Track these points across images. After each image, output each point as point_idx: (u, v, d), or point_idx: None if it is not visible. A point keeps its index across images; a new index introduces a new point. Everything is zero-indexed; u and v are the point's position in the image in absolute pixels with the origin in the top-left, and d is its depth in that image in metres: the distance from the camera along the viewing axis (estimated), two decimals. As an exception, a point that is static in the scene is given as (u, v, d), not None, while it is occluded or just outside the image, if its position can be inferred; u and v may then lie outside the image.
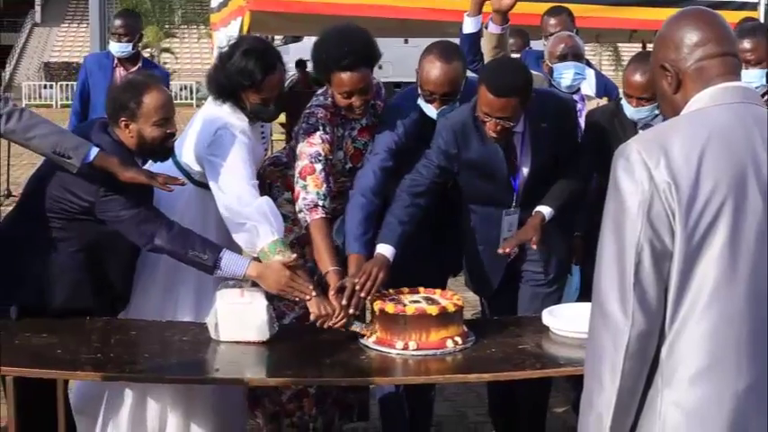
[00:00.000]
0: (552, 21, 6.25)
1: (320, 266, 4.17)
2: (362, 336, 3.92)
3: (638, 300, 2.14)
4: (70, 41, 48.24)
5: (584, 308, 3.89)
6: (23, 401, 3.58)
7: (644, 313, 2.15)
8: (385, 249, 4.12)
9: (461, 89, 4.35)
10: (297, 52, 25.62)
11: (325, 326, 3.95)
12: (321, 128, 4.32)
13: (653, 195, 2.14)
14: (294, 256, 4.05)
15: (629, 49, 31.46)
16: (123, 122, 4.06)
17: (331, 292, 3.99)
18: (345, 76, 4.20)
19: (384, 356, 3.74)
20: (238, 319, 3.85)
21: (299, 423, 4.54)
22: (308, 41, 20.01)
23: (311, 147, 4.29)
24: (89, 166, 3.92)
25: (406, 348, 3.72)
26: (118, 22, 7.27)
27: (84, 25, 41.57)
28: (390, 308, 3.79)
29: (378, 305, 3.84)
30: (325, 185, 4.24)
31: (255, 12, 9.41)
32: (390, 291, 4.03)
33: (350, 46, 4.20)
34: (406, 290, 4.04)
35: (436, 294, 4.01)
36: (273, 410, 4.56)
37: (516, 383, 4.30)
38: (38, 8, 50.65)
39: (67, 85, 36.54)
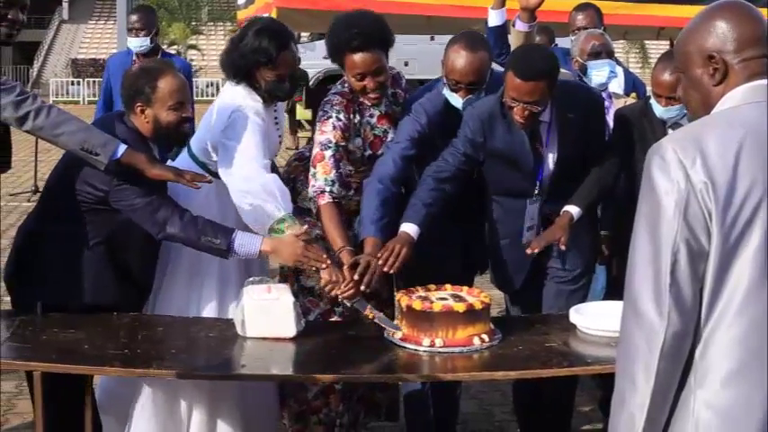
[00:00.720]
0: (580, 16, 6.23)
1: (333, 247, 4.20)
2: (371, 318, 3.95)
3: (673, 300, 2.12)
4: (97, 38, 48.50)
5: (612, 306, 3.92)
6: (51, 397, 3.59)
7: (679, 313, 2.12)
8: (409, 228, 4.14)
9: (487, 79, 4.38)
10: (323, 49, 25.71)
11: (333, 293, 4.01)
12: (335, 115, 4.36)
13: (689, 195, 2.11)
14: (305, 227, 4.09)
15: (656, 47, 31.36)
16: (139, 108, 4.10)
17: (345, 267, 4.02)
18: (357, 57, 4.26)
19: (410, 353, 3.73)
20: (265, 315, 3.85)
21: (325, 420, 4.53)
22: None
23: (322, 134, 4.35)
24: (116, 163, 3.94)
25: (432, 345, 3.71)
26: (133, 18, 7.31)
27: (112, 22, 41.81)
28: (417, 305, 3.78)
29: (405, 302, 3.83)
30: (333, 171, 4.28)
31: (282, 8, 9.44)
32: (418, 288, 4.02)
33: (359, 28, 4.27)
34: (433, 287, 4.03)
35: (463, 292, 4.00)
36: (299, 410, 4.55)
37: (542, 382, 4.28)
38: (65, 5, 50.90)
39: (95, 81, 36.77)
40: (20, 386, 5.67)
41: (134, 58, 7.24)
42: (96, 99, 15.39)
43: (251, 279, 4.07)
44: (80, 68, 42.62)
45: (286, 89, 4.38)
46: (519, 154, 4.30)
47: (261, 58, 4.24)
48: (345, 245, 4.16)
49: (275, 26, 4.40)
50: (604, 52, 5.43)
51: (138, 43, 7.17)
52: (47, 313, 4.03)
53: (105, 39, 45.94)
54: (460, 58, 4.29)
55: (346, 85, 4.46)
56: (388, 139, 4.48)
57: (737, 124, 2.19)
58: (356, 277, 3.97)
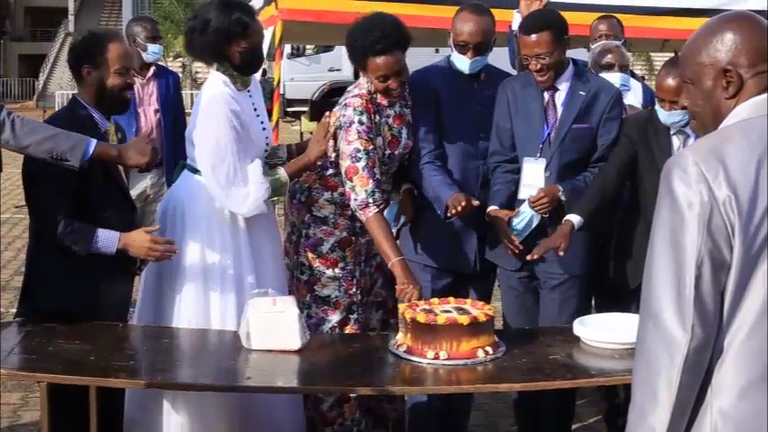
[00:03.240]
0: (602, 26, 6.18)
1: (384, 259, 4.33)
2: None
3: (697, 313, 2.12)
4: (103, 51, 48.62)
5: (616, 318, 3.95)
6: (58, 409, 3.60)
7: (702, 327, 2.12)
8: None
9: (492, 44, 4.67)
10: (328, 61, 25.75)
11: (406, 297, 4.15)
12: (357, 119, 4.42)
13: (713, 208, 2.12)
14: (157, 226, 4.25)
15: (661, 59, 31.34)
16: (86, 70, 4.16)
17: (402, 280, 4.20)
18: (380, 60, 4.38)
19: (415, 366, 3.73)
20: (270, 327, 3.86)
21: (340, 430, 4.54)
22: (340, 51, 20.03)
23: (349, 145, 4.39)
24: (90, 160, 3.95)
25: (437, 358, 3.72)
26: (149, 26, 7.21)
27: (117, 35, 41.76)
28: (422, 317, 3.79)
29: (409, 315, 3.84)
30: (371, 181, 4.35)
31: (287, 21, 9.43)
32: (421, 302, 4.04)
33: (381, 31, 4.40)
34: (436, 300, 4.05)
35: (467, 304, 4.01)
36: (313, 420, 4.57)
37: (541, 394, 4.32)
38: (71, 18, 50.95)
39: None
40: (26, 397, 5.69)
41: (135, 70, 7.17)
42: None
43: (256, 291, 4.08)
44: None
45: (259, 57, 4.49)
46: (530, 107, 4.59)
47: (236, 29, 4.33)
48: (398, 255, 4.26)
49: (236, 1, 4.47)
50: (617, 65, 5.41)
51: (158, 50, 7.11)
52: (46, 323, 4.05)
53: (111, 51, 46.04)
54: (468, 20, 4.60)
55: (363, 88, 4.53)
56: (403, 138, 4.59)
57: (756, 137, 2.20)
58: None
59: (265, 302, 3.94)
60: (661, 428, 2.17)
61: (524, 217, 4.53)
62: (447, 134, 4.66)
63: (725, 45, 2.30)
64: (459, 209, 4.30)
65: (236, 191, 4.29)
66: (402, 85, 4.49)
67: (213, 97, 4.36)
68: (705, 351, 2.15)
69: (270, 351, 3.85)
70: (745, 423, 2.14)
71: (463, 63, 4.62)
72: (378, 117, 4.53)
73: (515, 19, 5.40)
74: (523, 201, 4.54)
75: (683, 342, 2.12)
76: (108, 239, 4.04)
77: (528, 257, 4.42)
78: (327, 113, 4.50)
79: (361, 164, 4.35)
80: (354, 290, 4.57)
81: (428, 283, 4.64)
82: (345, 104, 4.49)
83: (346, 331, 4.51)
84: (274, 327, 3.86)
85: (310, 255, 4.57)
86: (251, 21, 4.38)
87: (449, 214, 4.40)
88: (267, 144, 4.61)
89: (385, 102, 4.54)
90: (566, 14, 6.69)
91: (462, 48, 4.60)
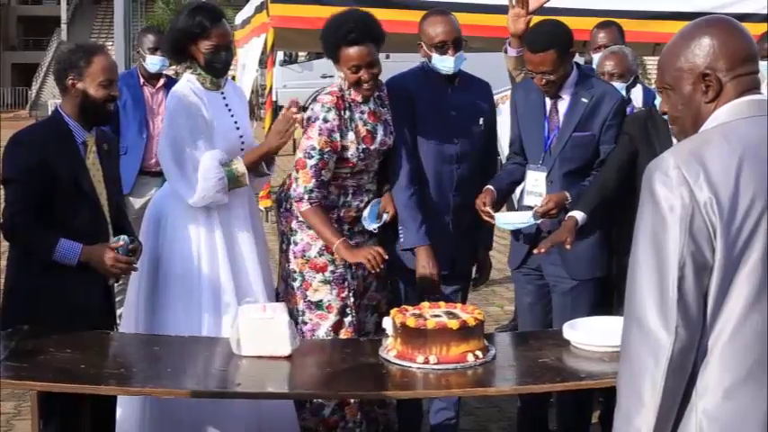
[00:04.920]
0: (601, 34, 6.15)
1: (328, 245, 4.47)
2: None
3: (681, 314, 2.14)
4: (96, 59, 48.58)
5: (605, 321, 3.95)
6: (49, 418, 3.61)
7: (686, 328, 2.14)
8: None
9: (463, 39, 4.80)
10: (321, 68, 25.75)
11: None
12: (322, 115, 4.53)
13: (694, 210, 2.14)
14: (120, 242, 4.23)
15: (653, 62, 31.46)
16: (71, 81, 4.22)
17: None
18: (352, 50, 4.48)
19: (404, 370, 3.74)
20: (260, 334, 3.86)
21: None
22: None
23: (308, 140, 4.52)
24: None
25: (426, 362, 3.72)
26: (151, 37, 7.22)
27: (110, 43, 41.70)
28: (411, 322, 3.80)
29: (399, 319, 3.85)
30: (313, 180, 4.48)
31: (279, 28, 9.46)
32: (410, 306, 4.05)
33: (354, 23, 4.51)
34: (426, 304, 4.06)
35: (457, 308, 4.02)
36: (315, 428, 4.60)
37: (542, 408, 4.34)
38: (64, 27, 50.96)
39: (93, 102, 36.85)
40: (18, 407, 5.69)
41: (141, 80, 7.18)
42: (95, 120, 15.25)
43: (247, 299, 4.10)
44: (79, 89, 42.54)
45: (222, 59, 4.60)
46: (534, 114, 4.70)
47: (195, 30, 4.52)
48: (339, 238, 4.44)
49: (207, 5, 4.73)
50: (617, 74, 5.36)
51: (157, 62, 7.12)
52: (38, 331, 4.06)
53: (104, 60, 46.02)
54: (439, 22, 4.73)
55: (336, 85, 4.63)
56: (379, 135, 4.62)
57: (736, 140, 2.21)
58: None
59: (255, 309, 3.96)
60: (647, 430, 2.18)
61: (525, 223, 4.60)
62: (422, 138, 4.74)
63: (702, 50, 2.32)
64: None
65: (185, 180, 4.47)
66: (375, 79, 4.54)
67: (173, 93, 4.60)
68: (689, 352, 2.16)
69: (260, 357, 3.86)
70: (729, 424, 2.16)
71: (447, 62, 4.69)
72: (349, 113, 4.57)
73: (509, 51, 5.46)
74: (529, 208, 4.60)
75: (667, 344, 2.14)
76: (69, 250, 4.10)
77: (535, 251, 4.51)
78: (287, 105, 4.62)
79: (312, 162, 4.47)
80: (346, 293, 4.59)
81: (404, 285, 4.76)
82: (315, 99, 4.65)
83: (341, 335, 4.53)
84: (264, 333, 3.86)
85: (300, 261, 4.61)
86: (211, 23, 4.53)
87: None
88: (243, 144, 4.72)
89: (359, 98, 4.59)
90: (559, 19, 6.70)
91: (442, 48, 4.68)
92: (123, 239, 4.20)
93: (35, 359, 3.79)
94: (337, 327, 4.56)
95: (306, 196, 4.47)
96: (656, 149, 4.49)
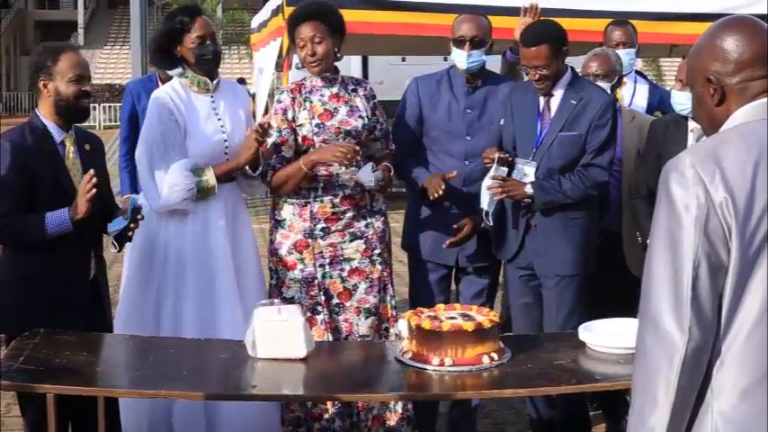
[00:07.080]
0: (617, 32, 6.11)
1: (299, 174, 4.64)
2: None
3: (695, 314, 2.13)
4: (113, 64, 48.68)
5: (621, 324, 3.93)
6: (65, 421, 3.62)
7: (700, 328, 2.13)
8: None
9: (488, 42, 4.94)
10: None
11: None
12: (277, 97, 4.89)
13: (710, 210, 2.13)
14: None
15: (670, 63, 31.37)
16: (42, 82, 4.25)
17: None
18: (302, 27, 4.71)
19: (420, 373, 3.73)
20: (275, 336, 3.87)
21: (326, 426, 4.66)
22: (348, 60, 20.09)
23: (270, 120, 4.77)
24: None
25: (442, 364, 3.72)
26: None
27: (126, 48, 41.89)
28: (427, 324, 3.79)
29: (414, 321, 3.85)
30: (275, 156, 4.73)
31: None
32: (425, 309, 4.05)
33: (307, 6, 4.81)
34: (441, 306, 4.05)
35: (472, 311, 4.01)
36: (302, 417, 4.66)
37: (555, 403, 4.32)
38: (80, 31, 51.13)
39: (110, 106, 36.97)
40: (8, 405, 5.73)
41: (159, 85, 7.17)
42: (113, 124, 15.32)
43: (262, 302, 4.10)
44: (96, 94, 42.58)
45: (211, 49, 4.73)
46: (526, 112, 4.76)
47: (177, 27, 4.67)
48: (302, 160, 4.64)
49: (183, 6, 4.92)
50: (601, 75, 5.31)
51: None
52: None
53: (120, 64, 46.08)
54: (465, 20, 4.97)
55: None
56: (339, 114, 4.78)
57: (752, 140, 2.21)
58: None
59: (270, 311, 3.96)
60: (660, 430, 2.18)
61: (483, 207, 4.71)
62: (435, 133, 4.93)
63: (712, 53, 2.33)
64: (441, 192, 4.69)
65: (152, 184, 4.58)
66: (321, 56, 4.68)
67: (151, 97, 4.70)
68: (703, 353, 2.15)
69: (275, 359, 3.87)
70: (746, 425, 2.15)
71: (461, 56, 4.88)
72: (307, 94, 4.78)
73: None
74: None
75: (680, 344, 2.13)
76: (58, 217, 4.12)
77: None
78: (260, 120, 4.82)
79: (271, 140, 4.70)
80: (316, 291, 4.72)
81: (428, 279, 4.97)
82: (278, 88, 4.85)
83: (313, 331, 4.51)
84: (280, 335, 3.87)
85: (275, 258, 4.81)
86: (191, 17, 4.68)
87: (431, 198, 4.70)
88: (227, 148, 4.77)
89: (320, 82, 4.78)
90: (573, 21, 6.72)
91: (460, 43, 4.88)
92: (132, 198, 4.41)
93: (50, 362, 3.79)
94: (310, 323, 4.55)
95: (270, 171, 4.69)
96: (674, 151, 4.52)
